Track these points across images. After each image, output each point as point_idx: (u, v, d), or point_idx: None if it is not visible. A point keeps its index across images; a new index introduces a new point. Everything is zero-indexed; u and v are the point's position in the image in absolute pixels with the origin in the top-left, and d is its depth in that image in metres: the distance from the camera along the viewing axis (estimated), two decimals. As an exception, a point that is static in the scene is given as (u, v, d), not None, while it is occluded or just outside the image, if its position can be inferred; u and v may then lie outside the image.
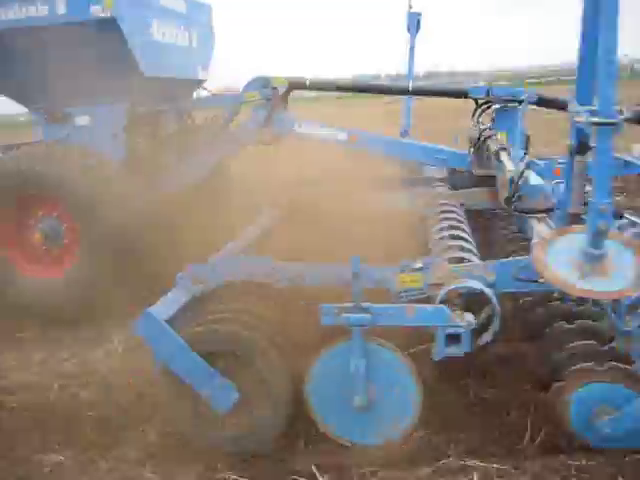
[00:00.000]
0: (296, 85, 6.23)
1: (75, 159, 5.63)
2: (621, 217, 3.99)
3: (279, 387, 3.46)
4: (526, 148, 5.35)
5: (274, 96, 6.19)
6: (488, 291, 3.40)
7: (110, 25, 5.46)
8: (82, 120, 6.20)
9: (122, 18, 5.46)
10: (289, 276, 3.75)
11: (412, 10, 7.60)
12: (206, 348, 3.45)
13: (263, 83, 6.26)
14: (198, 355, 3.43)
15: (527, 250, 4.13)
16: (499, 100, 5.55)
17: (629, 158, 6.27)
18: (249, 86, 6.35)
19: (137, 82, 5.93)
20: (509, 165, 4.65)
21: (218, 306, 3.83)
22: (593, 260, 2.98)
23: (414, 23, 7.66)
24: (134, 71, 5.80)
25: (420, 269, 3.56)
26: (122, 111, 6.12)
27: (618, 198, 8.73)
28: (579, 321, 3.77)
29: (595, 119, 2.85)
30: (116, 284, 5.54)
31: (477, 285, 3.42)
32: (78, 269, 5.63)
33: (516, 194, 4.43)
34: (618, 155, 6.12)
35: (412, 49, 7.79)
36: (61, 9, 5.50)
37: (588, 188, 3.42)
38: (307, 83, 6.26)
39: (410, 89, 6.08)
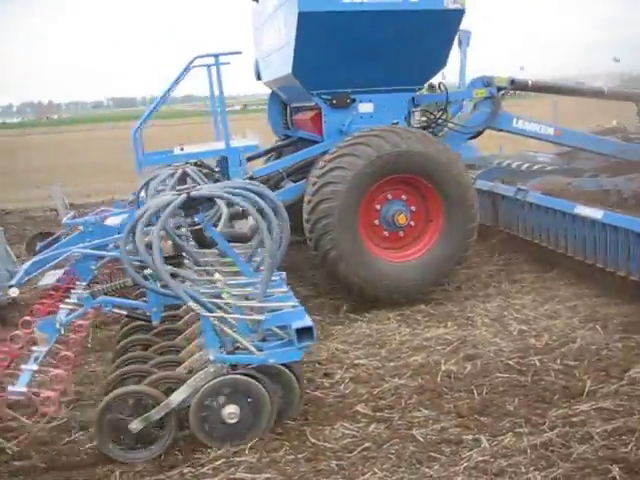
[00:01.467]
0: (518, 85, 7.25)
1: (440, 144, 5.86)
2: None
3: None
4: None
5: (498, 94, 7.10)
6: None
7: (451, 18, 5.89)
8: (365, 107, 6.32)
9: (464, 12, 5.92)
10: None
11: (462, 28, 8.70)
12: None
13: (487, 81, 7.13)
14: None
15: None
16: None
17: None
18: (475, 84, 7.16)
19: (434, 74, 6.36)
20: None
21: None
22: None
23: (466, 40, 8.82)
24: (437, 66, 6.23)
25: None
26: (406, 100, 6.40)
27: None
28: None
29: None
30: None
31: None
32: (434, 250, 5.86)
33: None
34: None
35: (463, 65, 8.92)
36: (417, -3, 5.74)
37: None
38: (529, 84, 7.32)
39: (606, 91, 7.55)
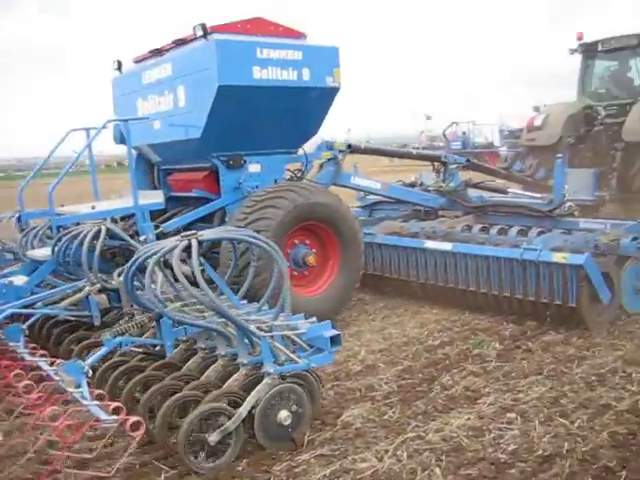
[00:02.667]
0: (354, 149, 8.96)
1: (335, 196, 7.13)
2: None
3: None
4: None
5: (339, 156, 8.75)
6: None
7: (330, 93, 7.36)
8: (254, 167, 7.38)
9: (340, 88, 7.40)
10: None
11: None
12: None
13: (330, 145, 8.74)
14: None
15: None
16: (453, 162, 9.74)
17: None
18: (321, 147, 8.70)
19: (309, 139, 7.73)
20: None
21: None
22: None
23: None
24: (312, 133, 7.63)
25: None
26: (285, 161, 7.63)
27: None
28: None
29: None
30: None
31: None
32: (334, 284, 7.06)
33: None
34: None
35: None
36: (306, 76, 7.07)
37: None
38: (362, 147, 9.08)
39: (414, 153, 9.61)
